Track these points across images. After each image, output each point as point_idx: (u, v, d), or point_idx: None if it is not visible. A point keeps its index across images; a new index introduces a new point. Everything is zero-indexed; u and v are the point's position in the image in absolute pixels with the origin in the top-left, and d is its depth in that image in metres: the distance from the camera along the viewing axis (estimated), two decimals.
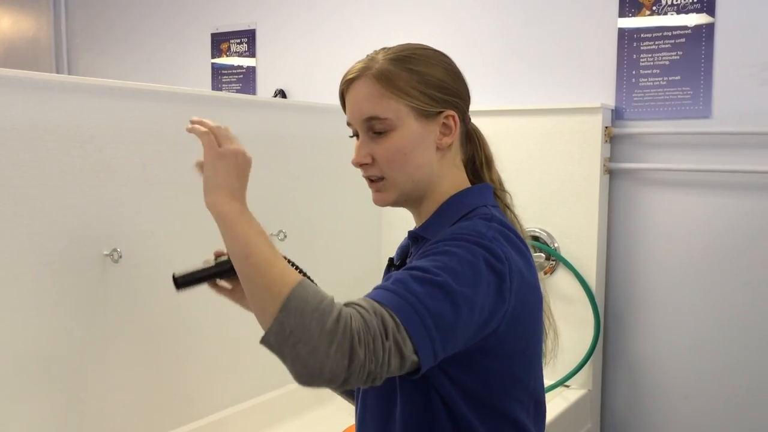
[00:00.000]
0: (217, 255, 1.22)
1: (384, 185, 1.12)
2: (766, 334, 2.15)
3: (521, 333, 1.07)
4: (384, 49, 1.14)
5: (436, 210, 1.14)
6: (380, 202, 1.14)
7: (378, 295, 0.95)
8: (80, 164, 1.56)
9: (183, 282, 1.19)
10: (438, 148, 1.13)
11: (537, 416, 1.15)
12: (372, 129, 1.10)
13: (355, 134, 1.15)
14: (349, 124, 1.15)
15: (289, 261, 1.21)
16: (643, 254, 2.31)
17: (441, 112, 1.12)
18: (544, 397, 1.17)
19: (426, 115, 1.10)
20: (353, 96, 1.12)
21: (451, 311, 0.94)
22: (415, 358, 0.92)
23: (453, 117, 1.13)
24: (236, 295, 1.25)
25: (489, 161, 1.21)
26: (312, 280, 1.18)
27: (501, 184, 1.22)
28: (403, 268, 1.00)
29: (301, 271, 1.22)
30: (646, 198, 2.30)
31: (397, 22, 2.75)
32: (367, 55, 1.14)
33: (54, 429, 1.53)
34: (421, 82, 1.10)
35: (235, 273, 1.13)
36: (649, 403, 2.34)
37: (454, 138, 1.14)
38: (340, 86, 1.14)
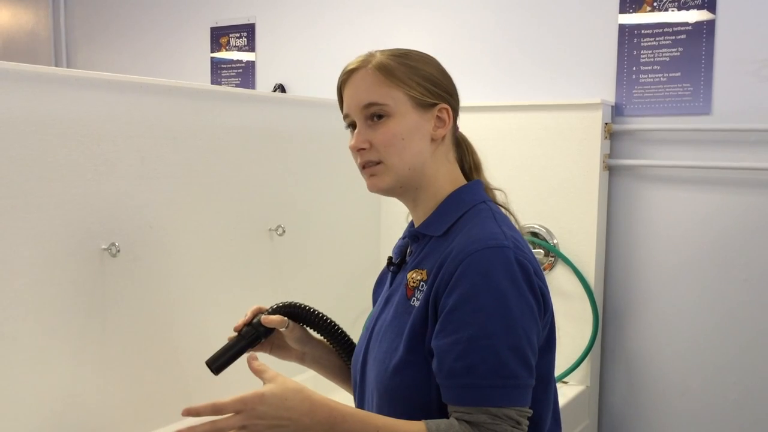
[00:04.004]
0: (237, 329, 1.26)
1: (380, 169, 1.15)
2: (765, 331, 2.15)
3: (549, 326, 1.14)
4: (379, 50, 1.19)
5: (435, 209, 1.18)
6: (374, 187, 1.17)
7: (478, 396, 1.02)
8: (78, 158, 1.55)
9: (218, 365, 1.22)
10: (432, 140, 1.17)
11: (555, 407, 1.19)
12: (371, 115, 1.14)
13: (350, 125, 1.19)
14: (346, 116, 1.19)
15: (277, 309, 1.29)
16: (642, 251, 2.31)
17: (436, 104, 1.17)
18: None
19: (422, 105, 1.15)
20: (353, 86, 1.16)
21: (528, 355, 1.04)
22: (529, 411, 1.05)
23: (447, 110, 1.18)
24: (291, 354, 1.34)
25: (478, 166, 1.26)
26: (301, 306, 1.29)
27: (489, 185, 1.25)
28: (453, 336, 1.03)
29: (287, 306, 1.28)
30: (645, 194, 2.30)
31: (397, 17, 2.74)
32: (365, 53, 1.19)
33: (52, 423, 1.53)
34: (417, 75, 1.15)
35: (260, 340, 1.24)
36: (647, 399, 2.35)
37: (447, 130, 1.18)
38: (339, 79, 1.19)
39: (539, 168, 2.30)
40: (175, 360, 1.81)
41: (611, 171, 2.33)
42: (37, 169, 1.48)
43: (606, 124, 2.24)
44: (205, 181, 1.87)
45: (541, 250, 2.30)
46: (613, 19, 2.32)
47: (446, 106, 1.17)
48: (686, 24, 2.21)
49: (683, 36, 2.22)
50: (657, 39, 2.26)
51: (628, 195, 2.32)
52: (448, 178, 1.19)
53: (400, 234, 1.28)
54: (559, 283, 2.30)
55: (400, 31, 2.73)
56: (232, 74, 3.22)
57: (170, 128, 1.76)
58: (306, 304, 1.31)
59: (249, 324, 1.25)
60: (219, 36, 3.23)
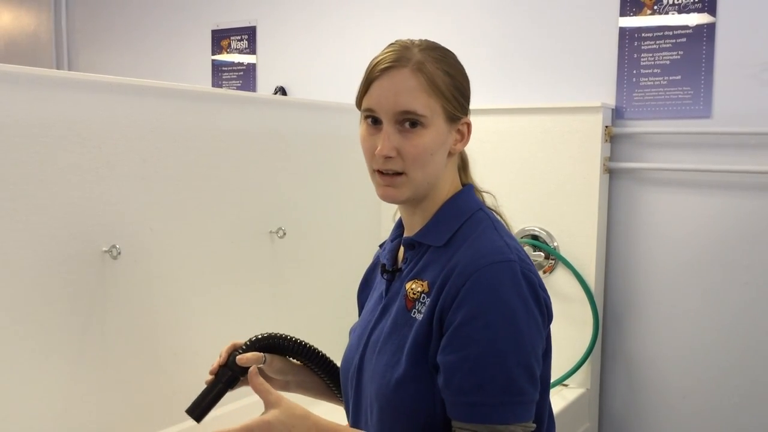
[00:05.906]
0: (213, 371, 1.23)
1: (400, 181, 1.09)
2: (766, 334, 2.15)
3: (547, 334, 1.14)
4: (412, 40, 1.12)
5: (433, 216, 1.14)
6: (391, 198, 1.10)
7: (486, 414, 1.01)
8: (80, 160, 1.56)
9: (199, 412, 1.20)
10: (450, 154, 1.14)
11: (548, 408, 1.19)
12: (405, 123, 1.07)
13: (368, 118, 1.11)
14: (370, 110, 1.10)
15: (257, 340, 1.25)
16: (642, 254, 2.31)
17: (461, 118, 1.13)
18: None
19: (452, 119, 1.11)
20: (389, 85, 1.07)
21: (535, 370, 1.04)
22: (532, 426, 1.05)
23: (468, 125, 1.15)
24: (275, 384, 1.28)
25: (465, 164, 1.23)
26: (281, 336, 1.26)
27: (478, 188, 1.23)
28: (459, 354, 1.02)
29: (266, 339, 1.25)
30: (645, 198, 2.30)
31: (397, 20, 2.75)
32: (398, 43, 1.11)
33: (53, 424, 1.53)
34: (453, 86, 1.10)
35: (238, 379, 1.20)
36: (648, 402, 2.35)
37: (465, 145, 1.16)
38: (372, 72, 1.09)
39: (540, 171, 2.30)
40: (176, 362, 1.81)
41: (611, 174, 2.33)
42: (39, 172, 1.48)
43: (606, 127, 2.25)
44: (205, 183, 1.87)
45: (542, 253, 2.31)
46: (614, 22, 2.32)
47: (468, 120, 1.14)
48: (687, 27, 2.21)
49: (684, 39, 2.22)
50: (657, 42, 2.26)
51: (629, 198, 2.32)
52: (450, 184, 1.16)
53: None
54: (560, 286, 2.30)
55: (400, 34, 2.72)
56: (233, 77, 3.23)
57: (171, 131, 1.77)
58: (282, 333, 1.26)
59: (225, 365, 1.22)
60: (220, 39, 3.24)
